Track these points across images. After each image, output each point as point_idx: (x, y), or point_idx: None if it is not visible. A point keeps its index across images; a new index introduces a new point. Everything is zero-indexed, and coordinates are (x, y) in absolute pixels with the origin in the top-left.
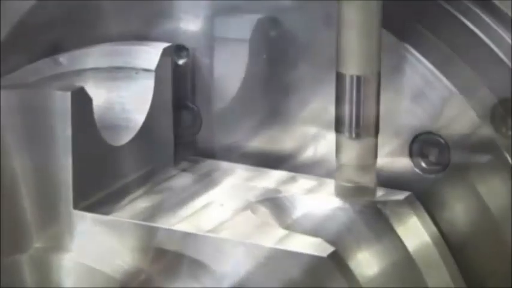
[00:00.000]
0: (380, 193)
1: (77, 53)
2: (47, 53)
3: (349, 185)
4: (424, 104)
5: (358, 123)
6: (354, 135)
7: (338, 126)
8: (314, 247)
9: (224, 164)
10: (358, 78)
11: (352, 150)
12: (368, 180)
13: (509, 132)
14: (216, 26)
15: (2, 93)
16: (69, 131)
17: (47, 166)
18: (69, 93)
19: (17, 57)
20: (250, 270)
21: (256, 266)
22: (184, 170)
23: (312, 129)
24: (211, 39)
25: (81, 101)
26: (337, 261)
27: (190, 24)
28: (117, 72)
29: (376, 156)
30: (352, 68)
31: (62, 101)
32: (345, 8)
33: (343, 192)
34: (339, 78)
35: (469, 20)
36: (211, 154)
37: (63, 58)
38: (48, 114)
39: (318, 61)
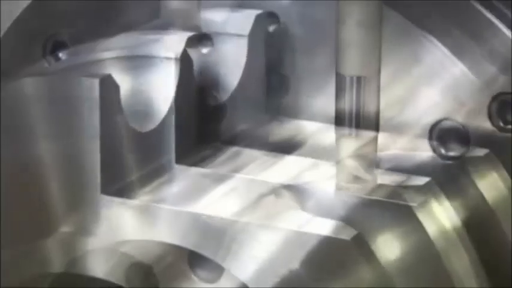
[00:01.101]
0: (401, 179)
1: (100, 42)
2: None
3: (350, 185)
4: (443, 91)
5: (358, 124)
6: (354, 136)
7: (338, 127)
8: (338, 230)
9: (248, 151)
10: (358, 78)
11: (351, 151)
12: (368, 179)
13: None
14: None
15: (30, 80)
16: (97, 118)
17: (74, 152)
18: (97, 80)
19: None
20: (275, 253)
21: (280, 249)
22: (209, 156)
23: None
24: None
25: (109, 88)
26: (361, 244)
27: None
28: (142, 61)
29: (376, 157)
30: (352, 68)
31: (90, 88)
32: (345, 8)
33: (343, 192)
34: (339, 78)
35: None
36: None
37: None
38: (76, 101)
39: None
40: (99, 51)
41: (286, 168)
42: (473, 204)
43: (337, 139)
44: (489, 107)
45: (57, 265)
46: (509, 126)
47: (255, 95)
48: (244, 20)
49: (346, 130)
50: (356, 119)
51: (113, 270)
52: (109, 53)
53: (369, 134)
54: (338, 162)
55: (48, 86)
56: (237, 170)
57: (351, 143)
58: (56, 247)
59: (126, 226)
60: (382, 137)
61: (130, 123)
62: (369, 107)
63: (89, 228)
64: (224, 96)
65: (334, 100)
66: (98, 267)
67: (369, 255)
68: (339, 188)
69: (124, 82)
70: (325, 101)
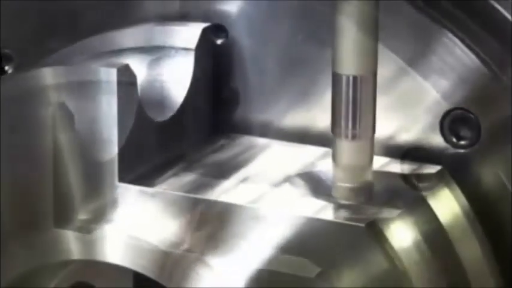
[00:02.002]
0: (413, 167)
1: (118, 33)
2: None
3: (347, 185)
4: (455, 80)
5: (355, 124)
6: (350, 136)
7: (335, 127)
8: (352, 217)
9: (261, 140)
10: (355, 78)
11: (348, 151)
12: (365, 180)
13: None
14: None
15: (49, 70)
16: (114, 106)
17: (92, 141)
18: (115, 70)
19: (58, 38)
20: (290, 240)
21: (295, 236)
22: (223, 146)
23: None
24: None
25: (127, 77)
26: (375, 230)
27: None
28: (157, 51)
29: (372, 157)
30: (348, 68)
31: (108, 77)
32: (342, 8)
33: (341, 193)
34: (336, 78)
35: None
36: (249, 130)
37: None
38: (95, 91)
39: None
40: (117, 41)
41: (300, 157)
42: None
43: (334, 139)
44: None
45: (74, 252)
46: None
47: (202, 109)
48: (190, 33)
49: (342, 130)
50: (352, 119)
51: (129, 256)
52: (126, 44)
53: (365, 134)
54: (334, 163)
55: (67, 75)
56: (252, 159)
57: (348, 144)
58: (73, 234)
59: (143, 213)
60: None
61: (147, 112)
62: (366, 107)
63: (107, 215)
64: (170, 112)
65: (284, 115)
66: (116, 254)
67: (383, 242)
68: (336, 188)
69: (141, 72)
70: (276, 116)
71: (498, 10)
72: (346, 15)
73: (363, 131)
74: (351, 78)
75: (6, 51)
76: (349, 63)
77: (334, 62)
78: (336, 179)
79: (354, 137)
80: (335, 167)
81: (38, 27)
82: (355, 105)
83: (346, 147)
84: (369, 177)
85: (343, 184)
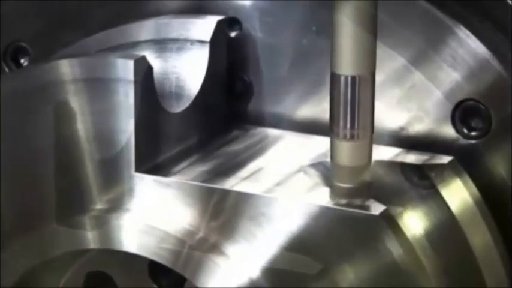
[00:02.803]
0: (425, 157)
1: (133, 25)
2: (102, 27)
3: (345, 185)
4: (466, 72)
5: (353, 124)
6: (348, 136)
7: (333, 127)
8: (366, 206)
9: (274, 131)
10: (353, 78)
11: (347, 151)
12: (363, 180)
13: None
14: None
15: (67, 62)
16: (131, 98)
17: (110, 131)
18: (132, 62)
19: (73, 31)
20: (304, 228)
21: (309, 224)
22: (237, 137)
23: None
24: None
25: (143, 69)
26: (389, 219)
27: None
28: (172, 44)
29: (371, 157)
30: (347, 68)
31: (125, 69)
32: (340, 8)
33: (339, 193)
34: (334, 78)
35: None
36: (262, 121)
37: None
38: (112, 82)
39: None
40: (133, 34)
41: (312, 148)
42: None
43: (332, 139)
44: None
45: (91, 240)
46: None
47: (216, 101)
48: (205, 26)
49: (340, 130)
50: (351, 119)
51: (145, 245)
52: (142, 36)
53: (364, 134)
54: (332, 163)
55: (84, 67)
56: (265, 149)
57: (346, 144)
58: (90, 223)
59: (159, 202)
60: None
61: (162, 103)
62: (364, 107)
63: (123, 205)
64: (185, 103)
65: (296, 107)
66: (132, 243)
67: (396, 231)
68: (334, 188)
69: (156, 64)
70: (288, 108)
71: (509, 3)
72: (344, 15)
73: (361, 131)
74: (349, 78)
75: (22, 44)
76: (347, 63)
77: (332, 63)
78: (334, 179)
79: (352, 137)
80: (333, 167)
81: (53, 20)
82: (353, 106)
83: (344, 147)
84: (367, 177)
85: (341, 184)
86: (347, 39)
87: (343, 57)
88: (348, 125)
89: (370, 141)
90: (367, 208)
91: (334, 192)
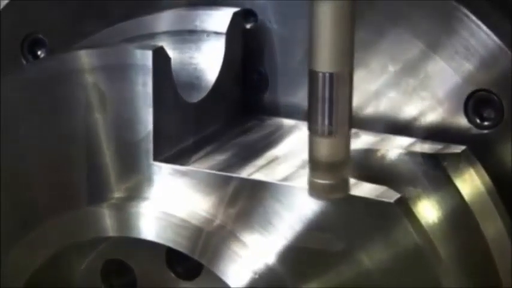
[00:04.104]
0: (439, 147)
1: (149, 17)
2: (121, 19)
3: (323, 181)
4: (478, 62)
5: (331, 121)
6: (326, 132)
7: (311, 124)
8: (381, 193)
9: (290, 122)
10: (331, 75)
11: (325, 147)
12: (341, 177)
13: None
14: None
15: (86, 52)
16: (150, 87)
17: (128, 120)
18: (150, 52)
19: (93, 22)
20: (320, 215)
21: (325, 211)
22: (253, 127)
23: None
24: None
25: (161, 59)
26: (404, 206)
27: None
28: (189, 35)
29: (349, 153)
30: (324, 65)
31: (144, 59)
32: (318, 6)
33: (316, 189)
34: (312, 75)
35: None
36: (277, 112)
37: None
38: (130, 72)
39: None
40: (150, 26)
41: None
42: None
43: (310, 136)
44: None
45: (111, 228)
46: None
47: (232, 92)
48: (221, 17)
49: (318, 127)
50: (329, 116)
51: (163, 233)
52: (160, 28)
53: (342, 130)
54: (310, 159)
55: (103, 57)
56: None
57: (324, 141)
58: (109, 211)
59: (177, 190)
60: None
61: (180, 93)
62: (342, 104)
63: (142, 193)
64: (202, 94)
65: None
66: (150, 231)
67: (411, 218)
68: (311, 184)
69: (174, 55)
70: (303, 98)
71: None
72: (322, 12)
73: (339, 127)
74: (327, 75)
75: (39, 36)
76: (325, 60)
77: (310, 60)
78: (312, 175)
79: (330, 133)
80: (311, 164)
81: (70, 12)
82: (331, 102)
83: (322, 143)
84: (345, 174)
85: (319, 181)
86: (325, 37)
87: (320, 54)
88: (326, 122)
89: (348, 137)
90: (382, 196)
91: (312, 189)
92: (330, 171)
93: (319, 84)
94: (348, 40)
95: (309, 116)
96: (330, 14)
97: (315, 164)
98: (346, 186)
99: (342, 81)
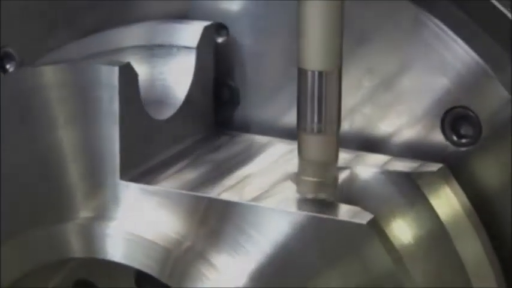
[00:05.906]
0: (414, 165)
1: (117, 30)
2: (89, 32)
3: (311, 179)
4: (455, 78)
5: (320, 119)
6: (315, 130)
7: (300, 122)
8: (354, 214)
9: (262, 138)
10: (320, 73)
11: (314, 146)
12: (330, 175)
13: None
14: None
15: (50, 68)
16: (116, 105)
17: (94, 138)
18: (116, 68)
19: (64, 35)
20: (291, 237)
21: (296, 233)
22: (224, 144)
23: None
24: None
25: (128, 75)
26: (376, 228)
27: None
28: (158, 50)
29: (338, 152)
30: (313, 63)
31: (110, 76)
32: (306, 4)
33: (305, 187)
34: (301, 73)
35: None
36: (250, 128)
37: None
38: (96, 89)
39: None
40: (118, 40)
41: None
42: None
43: (299, 134)
44: None
45: (75, 248)
46: None
47: (203, 108)
48: (192, 31)
49: (308, 125)
50: (318, 114)
51: (131, 254)
52: (128, 42)
53: (330, 128)
54: (299, 157)
55: (68, 74)
56: (252, 157)
57: (313, 138)
58: (74, 231)
59: (144, 211)
60: None
61: (148, 110)
62: (331, 102)
63: (109, 213)
64: (171, 110)
65: (283, 113)
66: (117, 252)
67: (384, 239)
68: (299, 183)
69: (142, 70)
70: (276, 114)
71: (498, 8)
72: (311, 9)
73: (328, 125)
74: (316, 73)
75: (8, 49)
76: (314, 58)
77: (299, 58)
78: (301, 174)
79: (319, 131)
80: (300, 162)
81: (39, 25)
82: (320, 100)
83: (311, 142)
84: (334, 172)
85: (307, 178)
86: (314, 35)
87: (310, 52)
88: (316, 119)
89: (337, 136)
90: (354, 217)
91: (301, 187)
92: (318, 169)
93: (308, 82)
94: (337, 38)
95: (298, 114)
96: (319, 11)
97: (303, 162)
98: (334, 184)
99: (330, 80)
